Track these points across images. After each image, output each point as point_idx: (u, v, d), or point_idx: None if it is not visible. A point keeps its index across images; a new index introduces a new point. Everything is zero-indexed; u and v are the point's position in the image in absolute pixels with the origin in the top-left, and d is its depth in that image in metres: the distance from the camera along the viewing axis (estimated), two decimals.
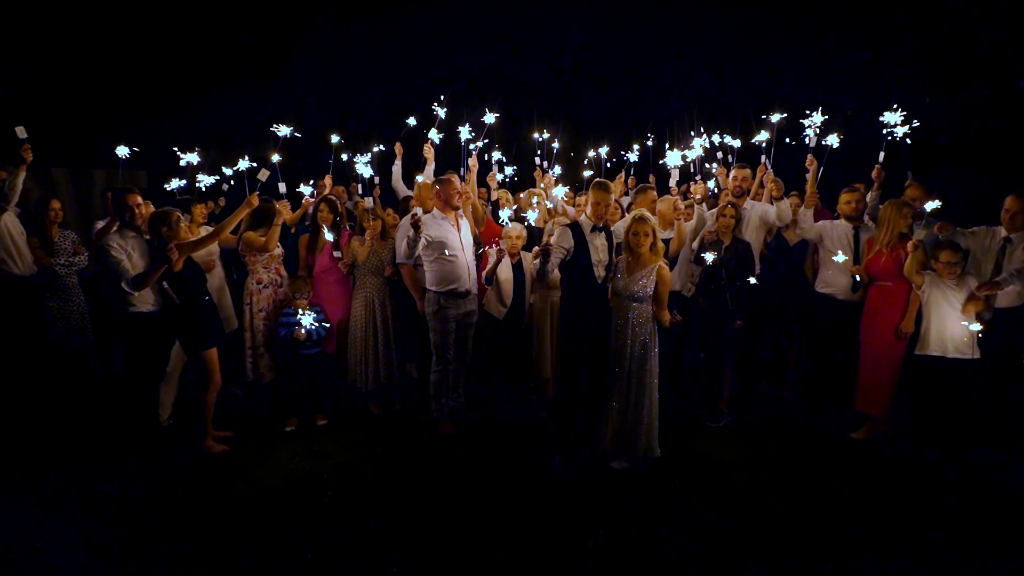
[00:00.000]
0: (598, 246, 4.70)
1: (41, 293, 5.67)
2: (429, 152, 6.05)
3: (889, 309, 5.16)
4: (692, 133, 6.40)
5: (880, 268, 5.16)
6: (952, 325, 4.88)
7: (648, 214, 4.65)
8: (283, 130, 5.15)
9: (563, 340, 4.82)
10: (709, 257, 4.89)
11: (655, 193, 5.94)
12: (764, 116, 5.98)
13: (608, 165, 7.70)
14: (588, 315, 4.69)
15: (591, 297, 4.68)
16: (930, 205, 4.92)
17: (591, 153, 7.56)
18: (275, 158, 5.86)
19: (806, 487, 4.51)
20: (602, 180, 4.72)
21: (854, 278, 5.39)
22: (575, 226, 4.73)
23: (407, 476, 4.71)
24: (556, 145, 6.53)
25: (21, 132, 5.27)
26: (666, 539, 3.86)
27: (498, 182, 6.73)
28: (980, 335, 4.83)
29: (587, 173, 7.39)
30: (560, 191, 5.55)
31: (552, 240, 4.70)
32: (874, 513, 4.16)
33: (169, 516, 4.14)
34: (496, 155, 6.42)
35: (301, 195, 6.40)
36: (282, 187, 6.46)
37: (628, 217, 4.78)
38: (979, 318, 4.86)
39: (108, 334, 6.32)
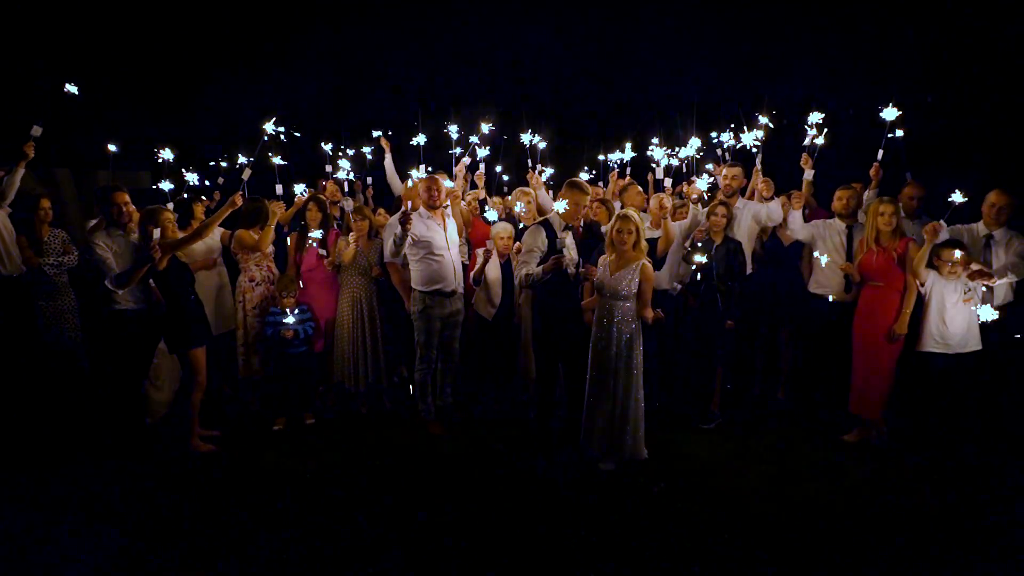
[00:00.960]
0: (568, 245, 4.67)
1: (31, 293, 5.66)
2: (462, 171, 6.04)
3: (882, 310, 5.05)
4: (684, 132, 6.33)
5: (871, 267, 5.07)
6: (952, 321, 4.78)
7: (632, 213, 4.62)
8: (270, 127, 5.14)
9: (538, 339, 4.78)
10: (698, 258, 4.83)
11: (638, 186, 5.91)
12: (756, 115, 5.93)
13: (605, 166, 7.64)
14: (563, 313, 4.65)
15: (565, 295, 4.64)
16: (957, 198, 4.72)
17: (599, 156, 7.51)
18: (276, 160, 5.90)
19: (797, 490, 4.43)
20: (576, 180, 4.70)
21: (847, 278, 5.31)
22: (547, 224, 4.71)
23: (392, 476, 4.67)
24: (543, 145, 6.48)
25: (36, 131, 5.33)
26: (651, 542, 3.80)
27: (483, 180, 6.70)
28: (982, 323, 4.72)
29: (584, 176, 7.34)
30: (520, 207, 5.58)
31: (523, 241, 4.69)
32: (865, 516, 4.08)
33: (151, 516, 4.12)
34: (481, 151, 6.35)
35: (293, 195, 6.41)
36: (279, 188, 6.49)
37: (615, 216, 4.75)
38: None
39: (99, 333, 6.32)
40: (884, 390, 5.08)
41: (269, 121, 5.22)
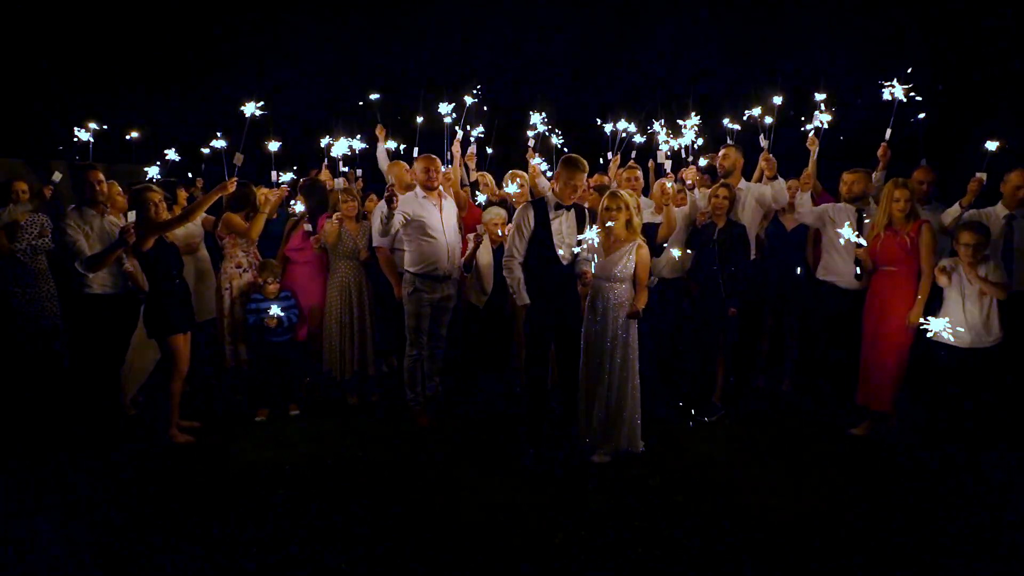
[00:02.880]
0: (563, 225, 4.40)
1: (4, 279, 5.47)
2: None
3: (894, 296, 4.79)
4: (688, 116, 6.06)
5: (883, 252, 4.80)
6: (969, 312, 4.50)
7: (622, 191, 4.39)
8: (250, 107, 4.94)
9: (527, 325, 4.54)
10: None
11: (638, 172, 5.71)
12: (764, 97, 5.69)
13: (610, 153, 7.38)
14: (551, 298, 4.39)
15: (553, 278, 4.38)
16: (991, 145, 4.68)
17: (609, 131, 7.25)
18: (272, 146, 5.72)
19: (801, 486, 4.19)
20: (572, 156, 4.42)
21: (858, 264, 5.03)
22: (539, 203, 4.47)
23: (378, 469, 4.46)
24: (540, 127, 6.25)
25: (57, 177, 5.20)
26: (647, 538, 3.58)
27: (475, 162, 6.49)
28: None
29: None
30: (513, 188, 5.40)
31: (513, 220, 4.46)
32: (872, 514, 3.84)
33: (123, 509, 3.93)
34: (467, 128, 6.12)
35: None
36: (274, 174, 6.30)
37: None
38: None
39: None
40: (894, 381, 4.82)
41: (250, 103, 5.01)
